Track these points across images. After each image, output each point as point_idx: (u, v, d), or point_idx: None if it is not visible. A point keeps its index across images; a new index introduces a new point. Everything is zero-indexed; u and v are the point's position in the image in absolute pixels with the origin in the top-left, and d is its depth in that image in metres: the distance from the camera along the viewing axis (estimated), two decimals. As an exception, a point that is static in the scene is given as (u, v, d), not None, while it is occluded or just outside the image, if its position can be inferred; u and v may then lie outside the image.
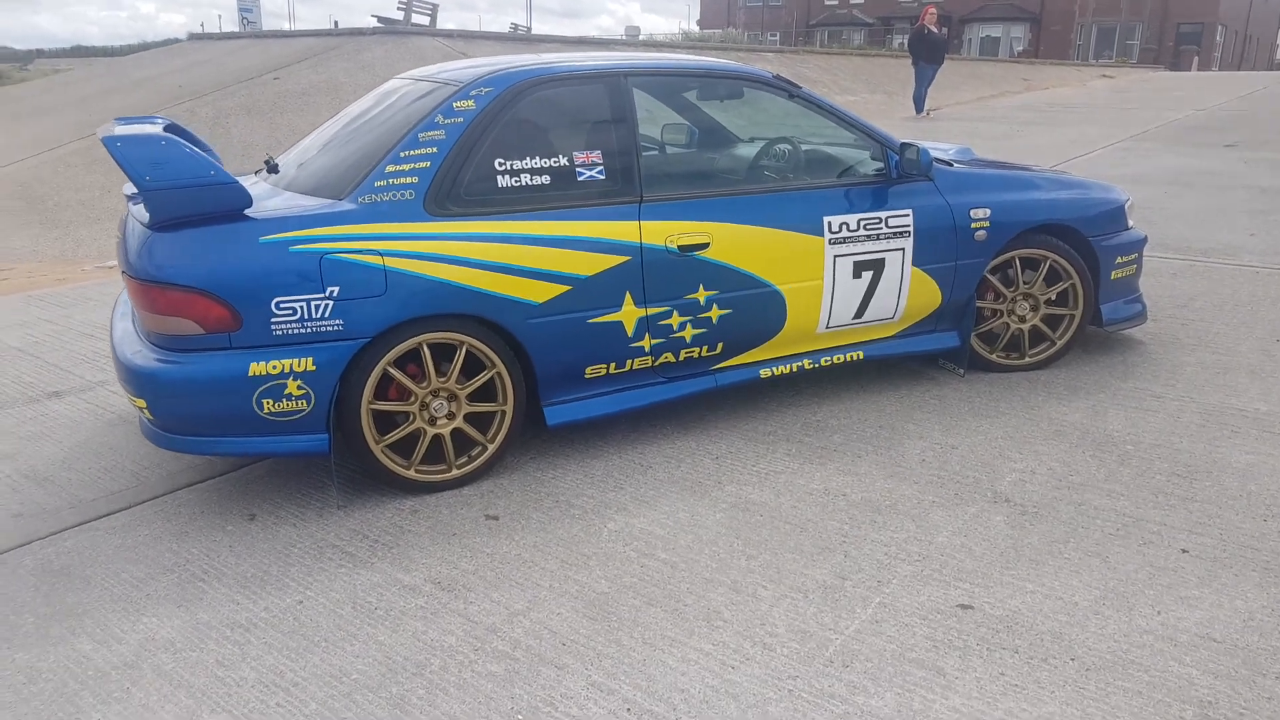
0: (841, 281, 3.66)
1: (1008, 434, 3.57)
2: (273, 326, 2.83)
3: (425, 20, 16.41)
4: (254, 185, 3.33)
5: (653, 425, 3.68)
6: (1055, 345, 4.17)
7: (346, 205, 2.98)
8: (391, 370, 3.01)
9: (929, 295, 3.86)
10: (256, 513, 3.06)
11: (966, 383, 4.07)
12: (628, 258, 3.25)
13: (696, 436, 3.58)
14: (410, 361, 3.07)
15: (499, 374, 3.17)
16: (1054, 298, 4.11)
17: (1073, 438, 3.49)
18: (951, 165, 4.05)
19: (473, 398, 3.17)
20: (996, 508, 3.03)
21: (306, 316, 2.85)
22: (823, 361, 3.78)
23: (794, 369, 3.72)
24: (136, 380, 2.86)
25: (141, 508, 3.10)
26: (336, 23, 18.90)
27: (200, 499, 3.16)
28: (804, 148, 3.96)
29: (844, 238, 3.62)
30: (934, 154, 3.92)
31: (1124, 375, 4.09)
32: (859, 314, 3.76)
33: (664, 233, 3.31)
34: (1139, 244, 4.31)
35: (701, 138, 4.25)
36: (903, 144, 3.71)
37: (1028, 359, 4.17)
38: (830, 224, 3.59)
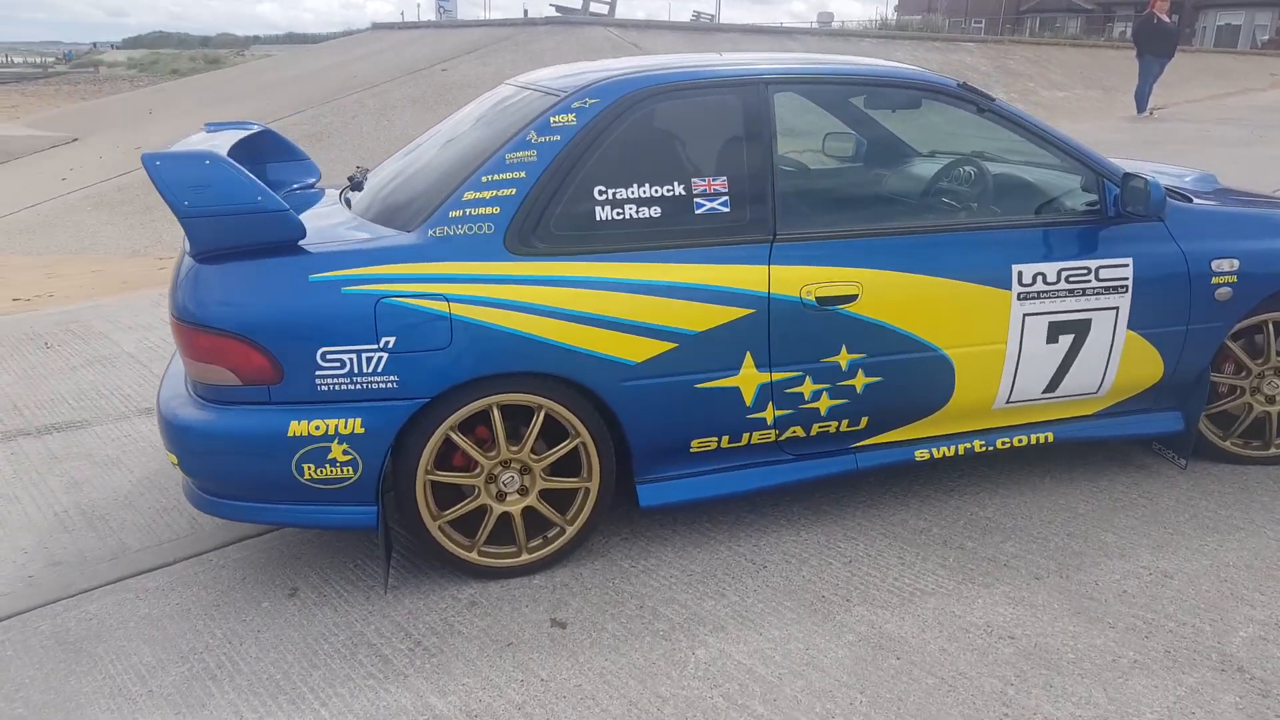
0: (1031, 347, 2.88)
1: (1244, 561, 2.70)
2: (317, 381, 2.41)
3: (604, 9, 16.11)
4: (327, 209, 2.94)
5: (776, 507, 3.04)
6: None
7: (414, 239, 2.52)
8: (455, 436, 2.53)
9: (1147, 366, 3.01)
10: (300, 586, 2.67)
11: (1188, 476, 3.19)
12: (751, 310, 2.63)
13: (827, 528, 2.92)
14: (480, 423, 2.58)
15: (583, 444, 2.63)
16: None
17: (1343, 579, 2.59)
18: (1190, 200, 3.15)
19: (551, 471, 2.65)
20: (1226, 680, 2.22)
21: (356, 371, 2.41)
22: (998, 444, 3.02)
23: (959, 451, 2.98)
24: (168, 431, 2.52)
25: (184, 565, 2.78)
26: (526, 11, 18.99)
27: (247, 560, 2.81)
28: (994, 172, 3.19)
29: (1038, 292, 2.84)
30: (1166, 184, 3.05)
31: None
32: (1051, 387, 2.96)
33: (800, 281, 2.66)
34: None
35: (861, 155, 3.55)
36: (1126, 174, 2.87)
37: (1274, 449, 3.23)
38: (1021, 274, 2.82)
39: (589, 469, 2.66)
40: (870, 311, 2.72)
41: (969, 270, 2.80)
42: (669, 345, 2.59)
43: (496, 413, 2.54)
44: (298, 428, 2.42)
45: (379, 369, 2.42)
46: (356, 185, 3.05)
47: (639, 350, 2.57)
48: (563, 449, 2.62)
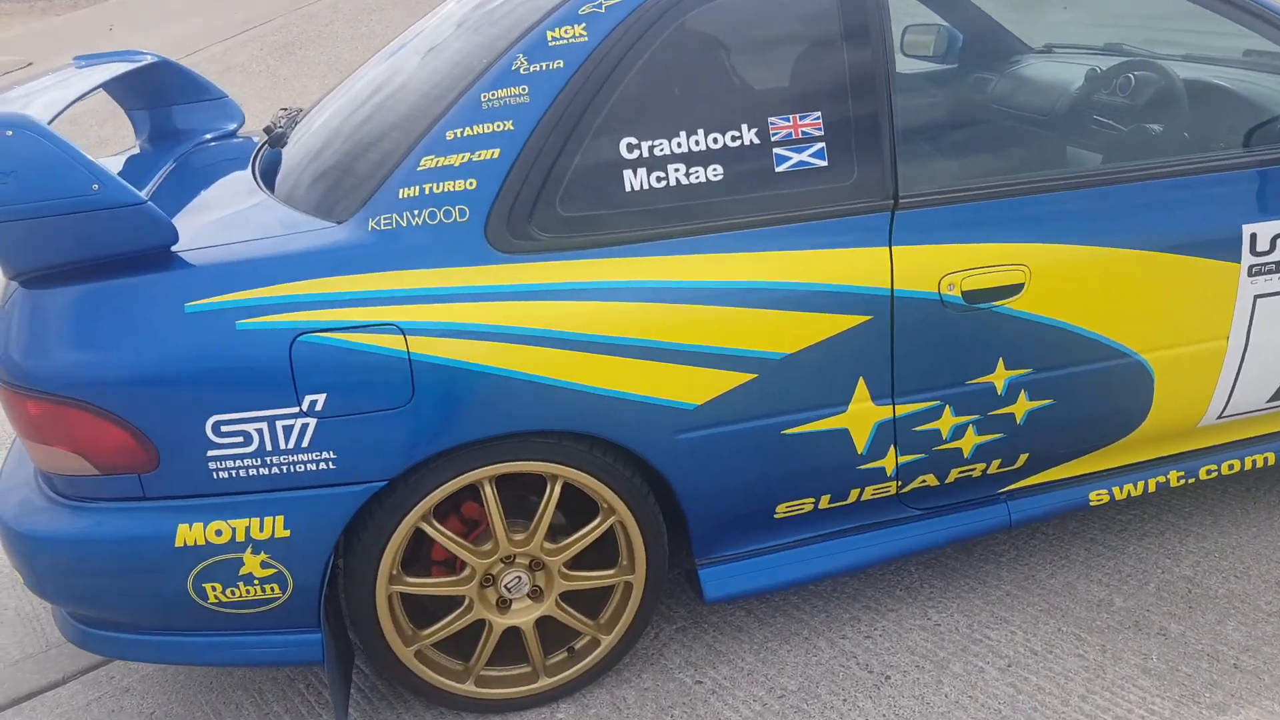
0: (1263, 339, 1.98)
1: None
2: (211, 465, 1.57)
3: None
4: (226, 189, 2.05)
5: (898, 568, 2.21)
6: None
7: (346, 235, 1.63)
8: (428, 527, 1.70)
9: None
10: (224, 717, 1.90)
11: None
12: (865, 317, 1.74)
13: (963, 598, 2.09)
14: (469, 497, 1.75)
15: (621, 524, 1.79)
16: None
17: None
18: None
19: (574, 565, 1.82)
20: None
21: (269, 447, 1.57)
22: (1201, 473, 2.14)
23: (1149, 488, 2.11)
24: (7, 541, 1.70)
25: (70, 688, 2.01)
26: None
27: (159, 679, 2.03)
28: (1190, 78, 2.23)
29: (1276, 262, 1.93)
30: None
31: None
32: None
33: (938, 267, 1.76)
34: None
35: (976, 57, 2.59)
36: None
37: None
38: (1255, 238, 1.91)
39: (630, 557, 1.83)
40: (1041, 307, 1.82)
41: (1180, 236, 1.88)
42: (744, 377, 1.71)
43: (489, 490, 1.70)
44: (188, 534, 1.59)
45: (304, 443, 1.58)
46: (276, 141, 2.13)
47: (699, 387, 1.70)
48: (590, 533, 1.79)
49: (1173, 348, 1.94)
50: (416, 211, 1.62)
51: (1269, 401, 2.08)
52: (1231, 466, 2.15)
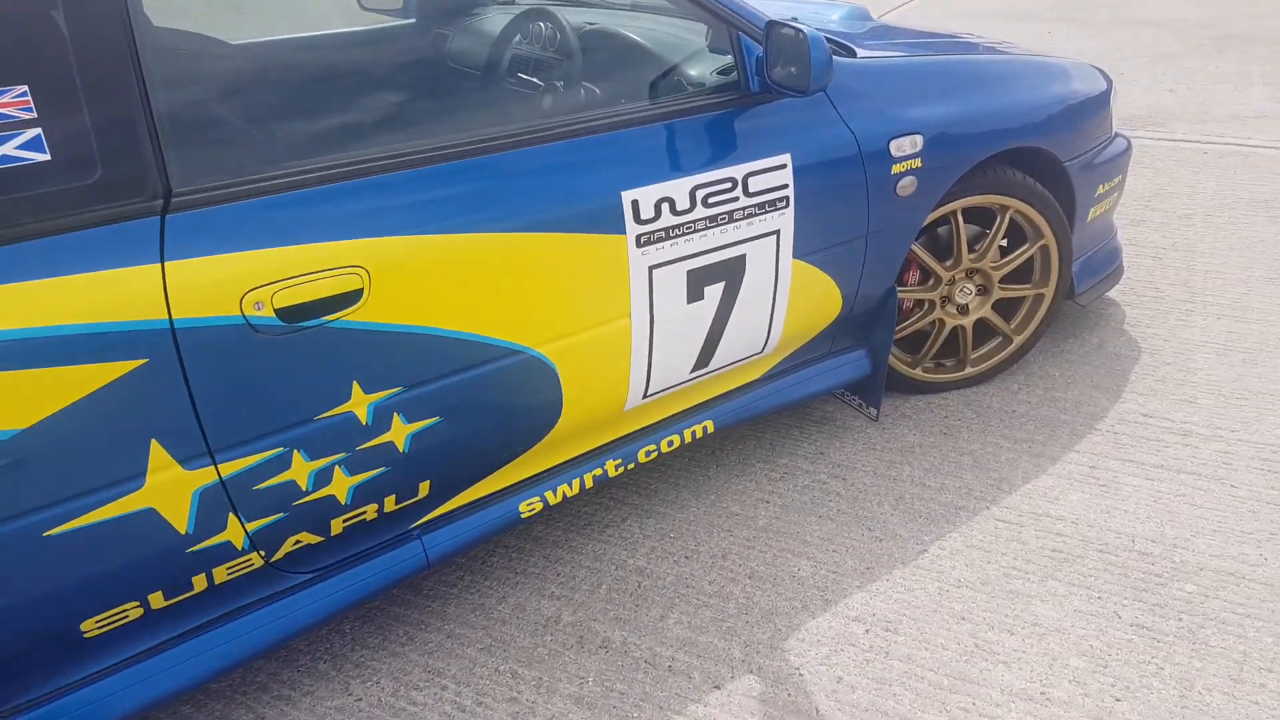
0: (668, 312, 1.84)
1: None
2: None
3: None
4: None
5: (330, 631, 1.82)
6: (1013, 343, 2.55)
7: None
8: None
9: (822, 301, 2.11)
10: None
11: (884, 429, 2.41)
12: (138, 362, 1.29)
13: (403, 653, 1.76)
14: None
15: None
16: (1008, 269, 2.45)
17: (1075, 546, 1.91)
18: (852, 52, 2.20)
19: None
20: None
21: None
22: (641, 456, 2.00)
23: (586, 484, 1.92)
24: None
25: None
26: None
27: None
28: (575, 25, 2.02)
29: (666, 229, 1.77)
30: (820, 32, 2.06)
31: (1117, 382, 2.53)
32: (704, 361, 1.97)
33: (235, 282, 1.36)
34: (1122, 159, 2.67)
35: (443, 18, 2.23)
36: (770, 23, 1.81)
37: (970, 368, 2.54)
38: (638, 205, 1.73)
39: None
40: (392, 315, 1.49)
41: (554, 211, 1.65)
42: (-47, 474, 1.20)
43: None
44: None
45: None
46: None
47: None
48: None
49: (570, 335, 1.73)
50: None
51: (693, 372, 1.97)
52: (671, 443, 2.03)
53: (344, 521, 1.61)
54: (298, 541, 1.56)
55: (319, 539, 1.59)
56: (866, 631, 1.78)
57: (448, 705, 1.67)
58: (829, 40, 2.15)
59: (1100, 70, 2.66)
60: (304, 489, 1.51)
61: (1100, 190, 2.57)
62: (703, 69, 1.95)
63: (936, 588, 1.88)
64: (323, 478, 1.52)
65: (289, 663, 1.78)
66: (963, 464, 2.24)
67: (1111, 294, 2.99)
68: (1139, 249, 3.29)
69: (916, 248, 2.30)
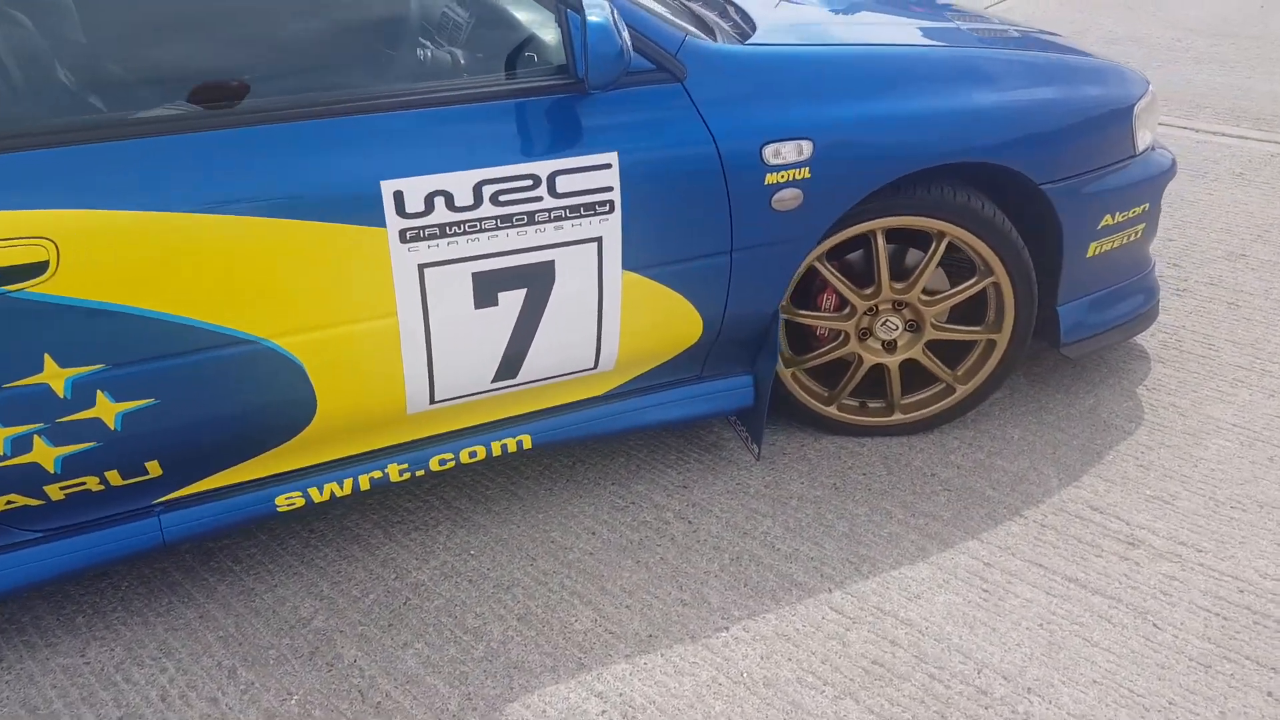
0: (447, 314, 1.65)
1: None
2: None
3: None
4: None
5: (61, 596, 1.83)
6: (955, 393, 2.16)
7: None
8: None
9: (674, 320, 1.85)
10: None
11: (771, 469, 2.12)
12: None
13: (125, 629, 1.74)
14: None
15: None
16: (942, 306, 2.06)
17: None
18: (745, 35, 1.87)
19: None
20: None
21: None
22: (434, 463, 1.84)
23: (360, 485, 1.79)
24: None
25: None
26: None
27: None
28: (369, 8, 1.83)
29: (440, 225, 1.58)
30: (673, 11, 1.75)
31: (1085, 460, 2.09)
32: (509, 371, 1.77)
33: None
34: (1150, 183, 2.16)
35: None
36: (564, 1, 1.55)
37: (898, 414, 2.17)
38: (401, 197, 1.54)
39: None
40: (86, 290, 1.42)
41: (295, 196, 1.50)
42: None
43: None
44: None
45: None
46: None
47: None
48: None
49: (317, 330, 1.58)
50: None
51: (496, 382, 1.78)
52: (474, 454, 1.86)
53: (62, 489, 1.57)
54: (10, 501, 1.55)
55: (37, 501, 1.57)
56: (602, 712, 1.57)
57: (154, 691, 1.63)
58: (728, 15, 1.84)
59: (1134, 75, 2.16)
60: (3, 453, 1.48)
61: (1107, 221, 2.10)
62: (533, 51, 1.71)
63: (710, 678, 1.62)
64: (21, 445, 1.49)
65: (56, 608, 1.80)
66: (834, 530, 1.92)
67: (1147, 345, 2.48)
68: (1217, 290, 2.72)
69: (827, 269, 1.97)
